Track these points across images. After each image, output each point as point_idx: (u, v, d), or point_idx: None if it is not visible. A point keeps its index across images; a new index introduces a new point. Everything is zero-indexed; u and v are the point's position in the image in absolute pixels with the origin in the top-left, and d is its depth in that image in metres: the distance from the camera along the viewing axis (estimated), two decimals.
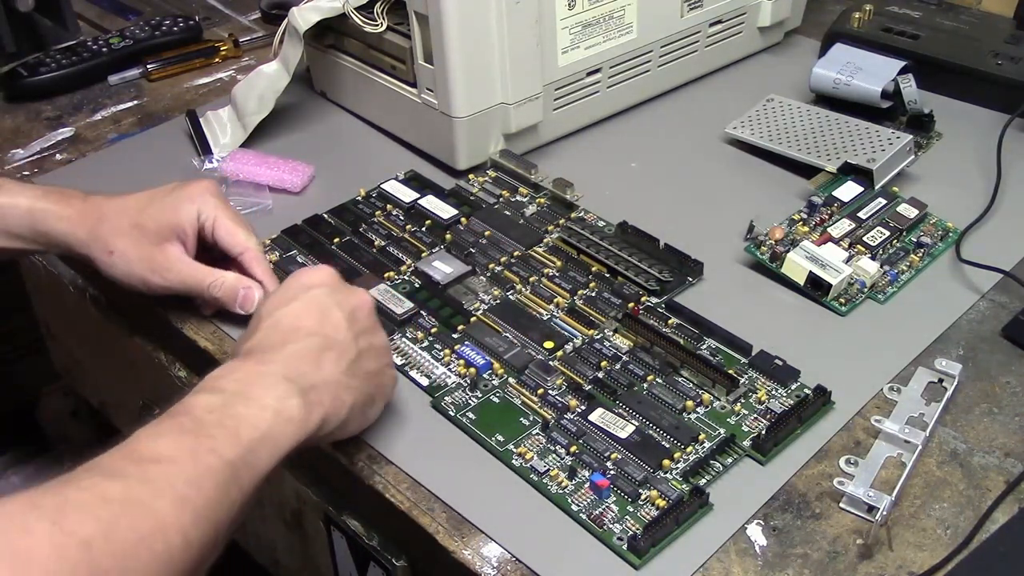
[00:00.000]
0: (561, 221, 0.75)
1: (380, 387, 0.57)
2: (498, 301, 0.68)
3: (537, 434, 0.59)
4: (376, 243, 0.74)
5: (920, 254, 0.71)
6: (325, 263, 0.71)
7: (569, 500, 0.55)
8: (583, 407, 0.60)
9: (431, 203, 0.77)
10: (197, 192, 0.65)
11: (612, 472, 0.56)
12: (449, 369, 0.63)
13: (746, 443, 0.57)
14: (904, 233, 0.73)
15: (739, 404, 0.60)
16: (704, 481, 0.56)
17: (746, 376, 0.62)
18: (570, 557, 0.52)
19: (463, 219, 0.75)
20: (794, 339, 0.65)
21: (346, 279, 0.69)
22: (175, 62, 0.99)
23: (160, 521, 0.42)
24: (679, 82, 0.92)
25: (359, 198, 0.79)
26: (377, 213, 0.77)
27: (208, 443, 0.46)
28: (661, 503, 0.54)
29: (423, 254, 0.73)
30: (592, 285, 0.69)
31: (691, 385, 0.61)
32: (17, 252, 0.68)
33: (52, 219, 0.65)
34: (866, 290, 0.68)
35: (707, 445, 0.57)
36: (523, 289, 0.69)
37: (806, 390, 0.60)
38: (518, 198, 0.78)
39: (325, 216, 0.77)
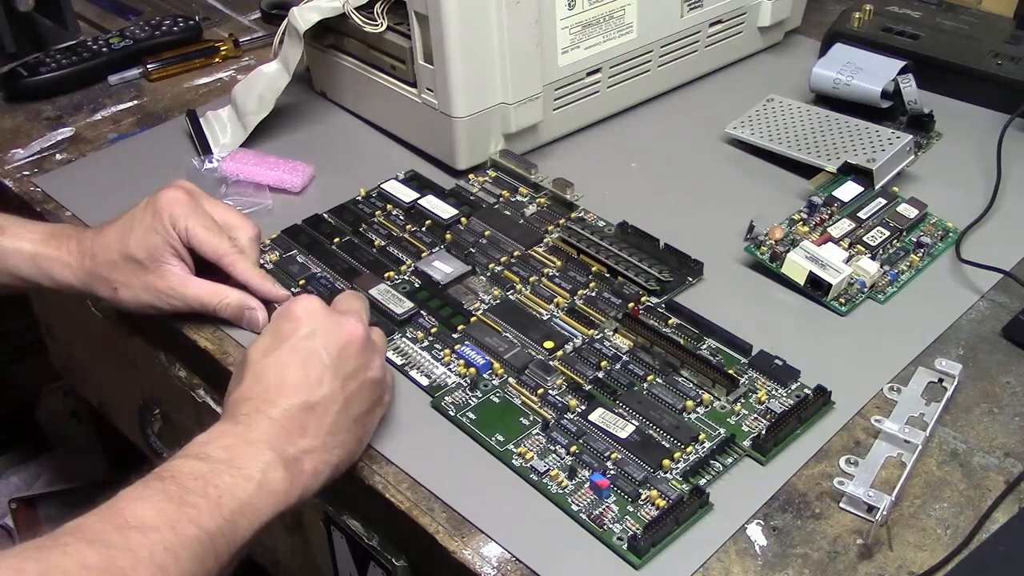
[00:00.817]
0: (561, 221, 0.75)
1: (371, 423, 0.57)
2: (498, 301, 0.68)
3: (537, 434, 0.59)
4: (376, 243, 0.74)
5: (920, 254, 0.71)
6: (325, 263, 0.71)
7: (569, 500, 0.55)
8: (583, 407, 0.60)
9: (431, 203, 0.77)
10: (164, 205, 0.64)
11: (612, 472, 0.56)
12: (449, 369, 0.63)
13: (746, 443, 0.57)
14: (904, 233, 0.73)
15: (739, 404, 0.60)
16: (704, 481, 0.56)
17: (746, 376, 0.62)
18: (570, 557, 0.52)
19: (463, 219, 0.75)
20: (794, 339, 0.65)
21: (346, 279, 0.70)
22: (175, 62, 0.99)
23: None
24: (679, 82, 0.92)
25: (359, 198, 0.79)
26: (377, 213, 0.77)
27: (190, 512, 0.47)
28: (661, 503, 0.54)
29: (423, 254, 0.73)
30: (592, 285, 0.69)
31: (691, 385, 0.61)
32: (24, 289, 0.70)
33: (56, 266, 0.67)
34: (866, 290, 0.68)
35: (707, 445, 0.57)
36: (523, 289, 0.69)
37: (806, 390, 0.60)
38: (518, 198, 0.78)
39: (325, 216, 0.77)
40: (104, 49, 0.98)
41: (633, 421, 0.59)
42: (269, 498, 0.50)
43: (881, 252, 0.71)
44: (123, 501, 0.47)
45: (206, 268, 0.66)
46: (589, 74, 0.84)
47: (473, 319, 0.66)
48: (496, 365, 0.63)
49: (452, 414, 0.60)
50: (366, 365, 0.56)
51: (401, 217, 0.77)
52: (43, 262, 0.67)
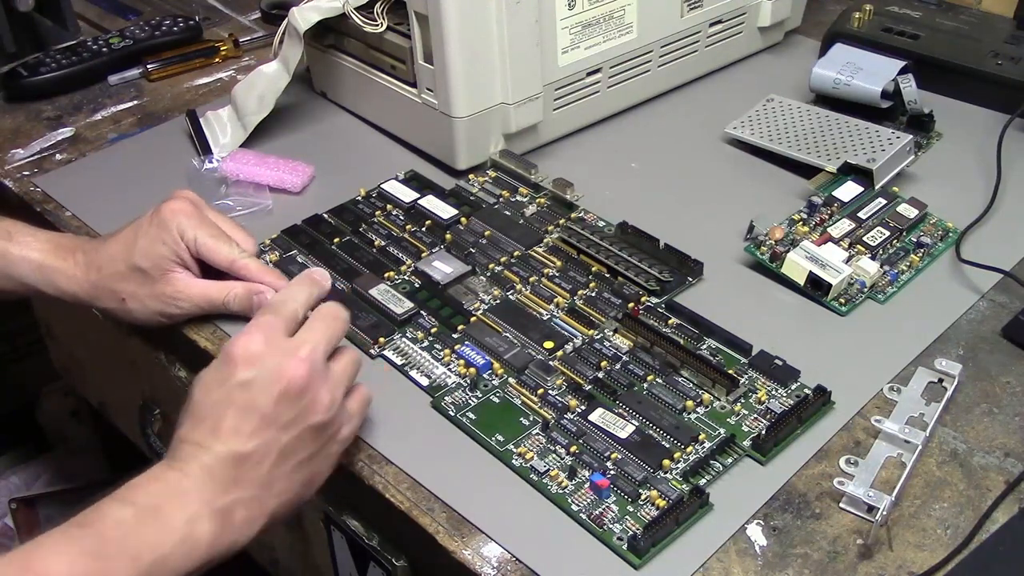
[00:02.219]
0: (561, 221, 0.75)
1: (319, 465, 0.55)
2: (498, 301, 0.68)
3: (537, 434, 0.59)
4: (376, 243, 0.74)
5: (920, 254, 0.71)
6: (325, 263, 0.71)
7: (569, 500, 0.55)
8: (583, 407, 0.60)
9: (431, 203, 0.77)
10: (170, 216, 0.65)
11: (612, 472, 0.56)
12: (449, 369, 0.63)
13: (746, 443, 0.57)
14: (904, 233, 0.73)
15: (739, 404, 0.60)
16: (704, 481, 0.56)
17: (746, 376, 0.62)
18: (570, 557, 0.52)
19: (463, 219, 0.75)
20: (794, 339, 0.65)
21: (346, 279, 0.70)
22: (175, 62, 0.99)
23: None
24: (679, 82, 0.92)
25: (359, 198, 0.79)
26: (377, 213, 0.77)
27: (104, 566, 0.47)
28: (661, 503, 0.54)
29: (423, 254, 0.73)
30: (592, 285, 0.69)
31: (691, 385, 0.61)
32: (28, 296, 0.70)
33: (62, 279, 0.67)
34: (866, 290, 0.68)
35: (707, 445, 0.57)
36: (523, 289, 0.69)
37: (806, 390, 0.60)
38: (518, 198, 0.78)
39: (325, 216, 0.77)
40: (104, 49, 0.98)
41: (633, 421, 0.59)
42: (192, 552, 0.49)
43: (881, 252, 0.71)
44: (37, 552, 0.47)
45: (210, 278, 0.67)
46: (589, 74, 0.84)
47: (473, 319, 0.66)
48: (496, 365, 0.63)
49: (452, 414, 0.60)
50: (308, 410, 0.53)
51: (401, 217, 0.77)
52: (50, 273, 0.67)
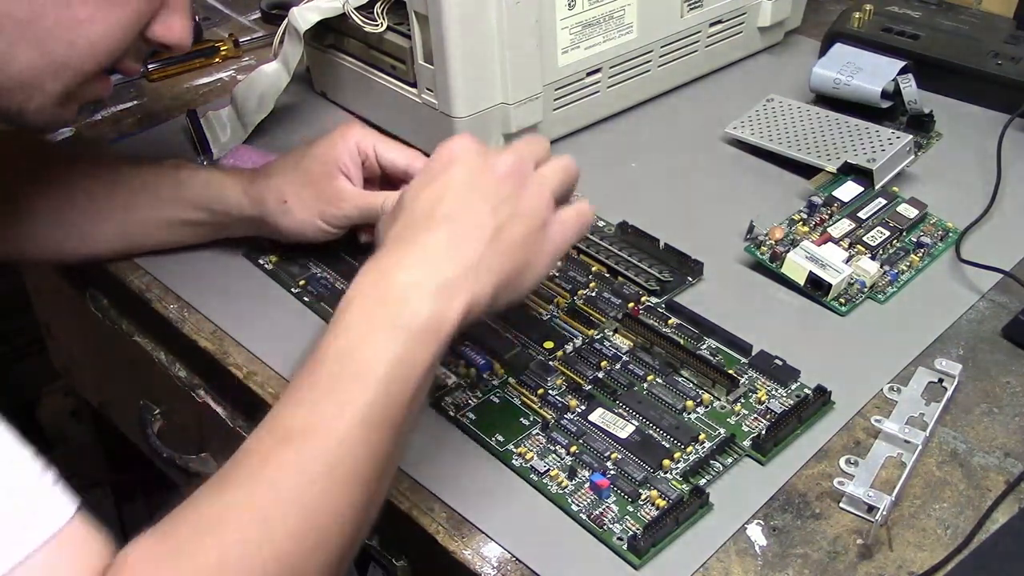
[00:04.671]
0: None
1: (530, 254, 0.53)
2: None
3: (537, 434, 0.59)
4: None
5: (920, 254, 0.71)
6: (325, 263, 0.71)
7: (569, 500, 0.55)
8: (583, 407, 0.60)
9: None
10: (349, 129, 0.67)
11: (612, 472, 0.56)
12: (449, 369, 0.63)
13: (746, 443, 0.57)
14: (904, 233, 0.73)
15: (739, 404, 0.60)
16: (704, 481, 0.56)
17: (746, 376, 0.62)
18: (570, 557, 0.52)
19: None
20: (794, 339, 0.65)
21: (346, 279, 0.70)
22: (175, 62, 0.99)
23: (306, 508, 0.44)
24: (679, 82, 0.92)
25: None
26: None
27: (341, 397, 0.46)
28: (661, 503, 0.54)
29: None
30: (592, 285, 0.69)
31: (691, 385, 0.61)
32: (192, 228, 0.71)
33: (227, 186, 0.69)
34: (866, 290, 0.68)
35: (707, 445, 0.57)
36: None
37: (806, 390, 0.60)
38: None
39: None
40: None
41: (633, 421, 0.59)
42: (421, 340, 0.48)
43: (881, 252, 0.71)
44: (282, 411, 0.47)
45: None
46: (589, 74, 0.84)
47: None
48: (496, 365, 0.63)
49: (452, 414, 0.60)
50: (519, 194, 0.53)
51: None
52: (217, 186, 0.69)
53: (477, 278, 0.50)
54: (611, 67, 0.85)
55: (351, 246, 0.73)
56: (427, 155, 0.58)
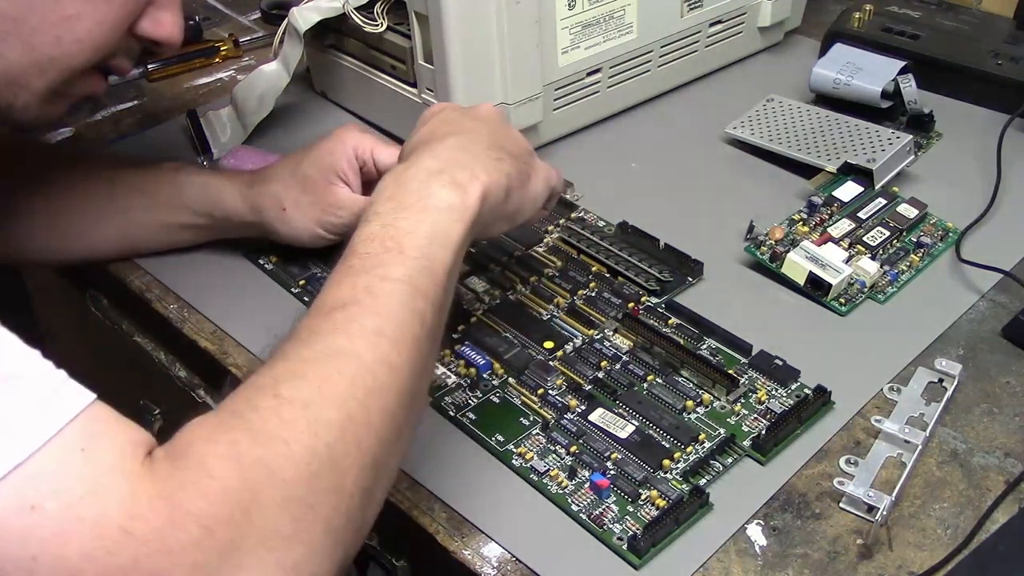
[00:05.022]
0: (561, 221, 0.75)
1: (528, 167, 0.58)
2: (498, 301, 0.68)
3: (537, 434, 0.59)
4: None
5: (920, 254, 0.71)
6: (326, 263, 0.71)
7: (569, 500, 0.55)
8: (583, 407, 0.60)
9: None
10: (346, 134, 0.67)
11: (612, 472, 0.56)
12: (449, 369, 0.63)
13: (746, 443, 0.57)
14: (904, 233, 0.73)
15: (739, 404, 0.60)
16: (704, 481, 0.56)
17: (746, 376, 0.62)
18: (570, 557, 0.52)
19: None
20: (794, 339, 0.65)
21: None
22: (175, 62, 0.99)
23: (362, 360, 0.44)
24: (679, 82, 0.92)
25: None
26: None
27: (379, 272, 0.47)
28: (661, 503, 0.54)
29: None
30: (592, 285, 0.69)
31: (691, 385, 0.61)
32: (191, 231, 0.71)
33: (226, 191, 0.69)
34: (866, 290, 0.68)
35: (707, 445, 0.57)
36: (523, 289, 0.69)
37: (806, 390, 0.60)
38: None
39: None
40: None
41: (633, 421, 0.59)
42: (448, 216, 0.50)
43: (881, 252, 0.71)
44: (324, 294, 0.47)
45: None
46: (589, 74, 0.84)
47: (473, 319, 0.66)
48: (496, 365, 0.63)
49: (452, 414, 0.60)
50: (509, 128, 0.60)
51: None
52: (215, 190, 0.69)
53: (487, 170, 0.53)
54: (611, 67, 0.85)
55: None
56: None
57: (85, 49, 0.53)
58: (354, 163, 0.66)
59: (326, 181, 0.66)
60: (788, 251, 0.69)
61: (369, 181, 0.68)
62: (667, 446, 0.57)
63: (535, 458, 0.57)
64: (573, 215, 0.76)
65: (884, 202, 0.75)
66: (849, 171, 0.77)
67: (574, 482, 0.56)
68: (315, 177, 0.66)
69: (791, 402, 0.60)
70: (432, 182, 0.51)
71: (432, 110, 0.61)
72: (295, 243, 0.69)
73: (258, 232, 0.70)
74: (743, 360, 0.63)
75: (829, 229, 0.72)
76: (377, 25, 0.80)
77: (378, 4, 0.80)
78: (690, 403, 0.59)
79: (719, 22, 0.91)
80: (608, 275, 0.70)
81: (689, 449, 0.57)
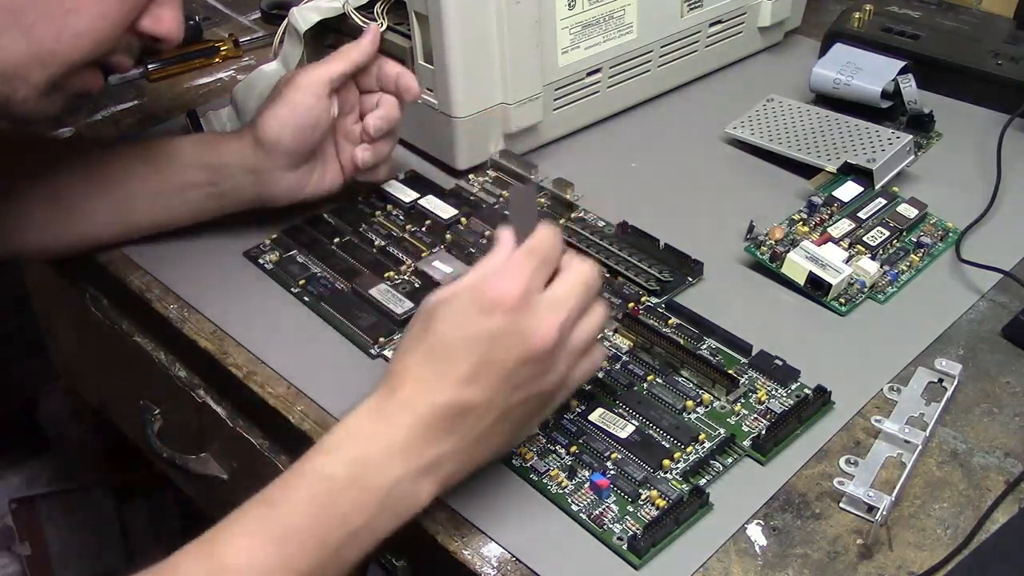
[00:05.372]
0: (561, 221, 0.75)
1: (526, 428, 0.54)
2: None
3: (537, 434, 0.59)
4: (376, 243, 0.74)
5: (920, 254, 0.71)
6: (325, 263, 0.71)
7: (569, 500, 0.55)
8: (583, 407, 0.60)
9: (431, 203, 0.77)
10: (302, 79, 0.69)
11: (612, 472, 0.56)
12: None
13: (746, 443, 0.57)
14: (904, 233, 0.73)
15: (739, 404, 0.60)
16: (704, 481, 0.56)
17: (746, 376, 0.62)
18: (570, 557, 0.52)
19: (463, 219, 0.75)
20: (794, 339, 0.65)
21: (346, 279, 0.70)
22: (175, 62, 0.99)
23: None
24: (679, 82, 0.92)
25: (359, 198, 0.79)
26: (377, 213, 0.77)
27: (288, 550, 0.46)
28: (661, 503, 0.54)
29: (423, 254, 0.73)
30: None
31: (691, 385, 0.61)
32: (192, 196, 0.71)
33: (222, 140, 0.71)
34: (866, 290, 0.68)
35: (707, 445, 0.57)
36: None
37: (806, 390, 0.60)
38: None
39: (325, 216, 0.77)
40: None
41: (633, 421, 0.59)
42: (392, 518, 0.48)
43: (881, 252, 0.71)
44: (222, 535, 0.46)
45: None
46: (589, 74, 0.84)
47: None
48: None
49: None
50: (542, 377, 0.51)
51: (401, 217, 0.77)
52: (209, 139, 0.71)
53: (468, 454, 0.50)
54: (611, 67, 0.85)
55: (351, 246, 0.73)
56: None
57: (85, 44, 0.53)
58: (322, 90, 0.68)
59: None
60: (788, 251, 0.69)
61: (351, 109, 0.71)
62: (667, 446, 0.57)
63: (535, 458, 0.57)
64: (573, 215, 0.76)
65: (884, 202, 0.75)
66: (849, 171, 0.77)
67: (574, 482, 0.56)
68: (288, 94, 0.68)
69: (791, 402, 0.60)
70: (401, 473, 0.48)
71: (489, 299, 0.49)
72: (290, 187, 0.70)
73: (259, 186, 0.70)
74: (743, 360, 0.63)
75: (829, 229, 0.72)
76: (377, 25, 0.80)
77: (378, 4, 0.80)
78: (690, 403, 0.59)
79: (719, 22, 0.91)
80: (608, 275, 0.70)
81: (689, 449, 0.57)
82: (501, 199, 0.78)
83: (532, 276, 0.50)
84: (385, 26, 0.80)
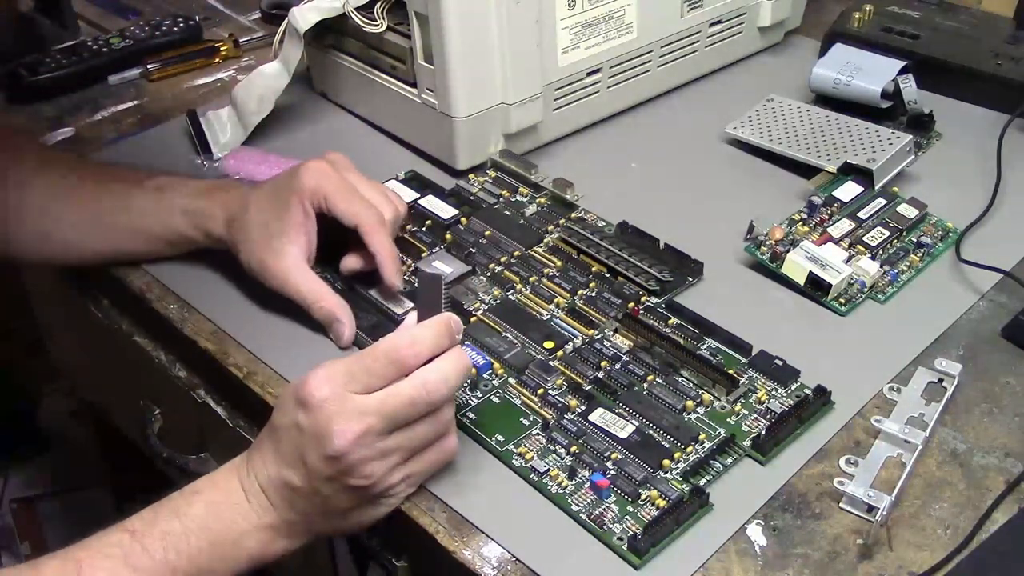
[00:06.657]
0: (561, 221, 0.75)
1: (362, 519, 0.55)
2: (498, 301, 0.68)
3: (537, 434, 0.59)
4: None
5: (920, 254, 0.71)
6: (325, 263, 0.71)
7: (569, 500, 0.55)
8: (583, 407, 0.60)
9: (431, 203, 0.77)
10: (308, 177, 0.65)
11: (612, 472, 0.56)
12: None
13: (746, 443, 0.57)
14: (904, 233, 0.73)
15: (739, 404, 0.60)
16: (704, 481, 0.56)
17: (746, 376, 0.62)
18: (570, 557, 0.52)
19: (463, 219, 0.75)
20: (794, 339, 0.65)
21: (346, 280, 0.70)
22: (175, 62, 0.99)
23: None
24: (679, 82, 0.92)
25: None
26: None
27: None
28: (661, 503, 0.54)
29: (423, 254, 0.73)
30: (592, 285, 0.69)
31: (691, 385, 0.61)
32: (176, 246, 0.71)
33: (208, 220, 0.68)
34: (866, 290, 0.68)
35: (707, 445, 0.57)
36: (523, 289, 0.69)
37: (806, 390, 0.60)
38: (518, 198, 0.78)
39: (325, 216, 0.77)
40: (104, 49, 0.98)
41: (633, 421, 0.59)
42: (245, 564, 0.53)
43: (881, 252, 0.71)
44: (86, 553, 0.49)
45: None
46: (589, 74, 0.84)
47: (473, 319, 0.66)
48: (496, 365, 0.63)
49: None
50: (349, 474, 0.51)
51: None
52: (195, 216, 0.69)
53: (309, 525, 0.54)
54: (611, 67, 0.85)
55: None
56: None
57: None
58: (310, 208, 0.65)
59: (281, 236, 0.64)
60: (788, 251, 0.69)
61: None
62: (667, 446, 0.57)
63: (535, 458, 0.57)
64: (573, 215, 0.76)
65: (884, 202, 0.75)
66: (849, 171, 0.77)
67: (574, 482, 0.56)
68: (273, 229, 0.65)
69: (791, 402, 0.60)
70: (247, 524, 0.53)
71: (302, 396, 0.51)
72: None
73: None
74: (743, 360, 0.63)
75: (829, 229, 0.72)
76: (377, 25, 0.80)
77: (378, 4, 0.81)
78: (690, 403, 0.59)
79: (719, 22, 0.91)
80: (608, 275, 0.70)
81: (689, 449, 0.57)
82: (501, 199, 0.78)
83: (350, 378, 0.51)
84: (385, 26, 0.81)
